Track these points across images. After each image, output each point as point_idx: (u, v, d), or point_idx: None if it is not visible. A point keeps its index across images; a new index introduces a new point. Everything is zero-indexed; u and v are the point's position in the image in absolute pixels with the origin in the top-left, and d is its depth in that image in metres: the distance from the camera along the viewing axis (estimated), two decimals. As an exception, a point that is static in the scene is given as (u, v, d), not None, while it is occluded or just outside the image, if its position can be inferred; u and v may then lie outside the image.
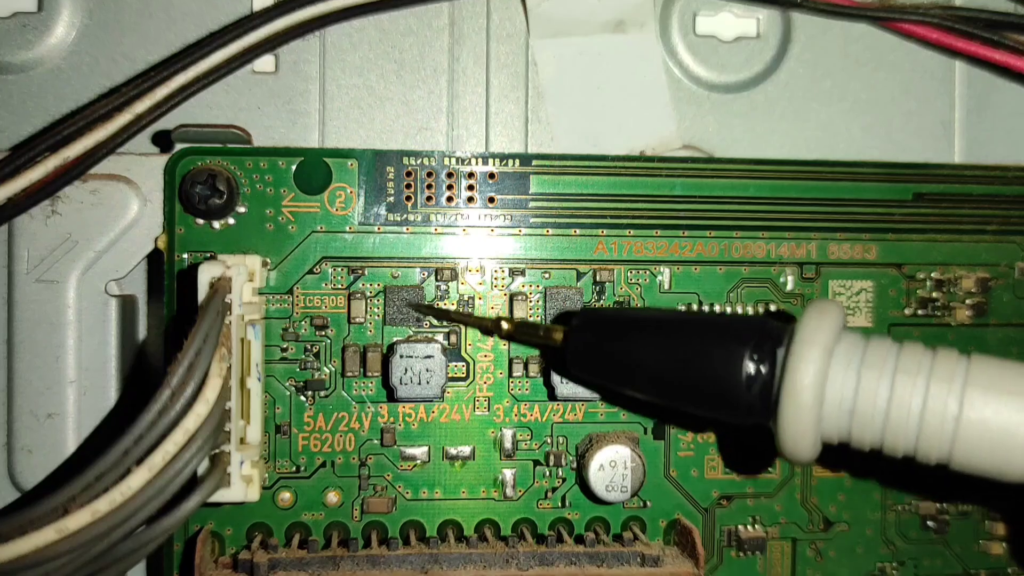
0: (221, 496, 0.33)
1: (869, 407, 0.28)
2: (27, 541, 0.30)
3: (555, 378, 0.37)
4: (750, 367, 0.30)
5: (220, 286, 0.33)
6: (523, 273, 0.39)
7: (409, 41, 0.42)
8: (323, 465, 0.38)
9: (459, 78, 0.42)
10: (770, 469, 0.40)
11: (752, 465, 0.39)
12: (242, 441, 0.34)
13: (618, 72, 0.43)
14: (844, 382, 0.29)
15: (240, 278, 0.34)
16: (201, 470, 0.33)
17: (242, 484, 0.34)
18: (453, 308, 0.38)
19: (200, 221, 0.37)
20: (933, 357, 0.29)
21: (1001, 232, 0.41)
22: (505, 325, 0.36)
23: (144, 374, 0.39)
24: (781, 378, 0.29)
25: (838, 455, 0.31)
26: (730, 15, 0.44)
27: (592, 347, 0.34)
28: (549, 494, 0.39)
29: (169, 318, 0.36)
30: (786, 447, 0.29)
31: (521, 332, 0.36)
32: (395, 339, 0.37)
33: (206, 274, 0.33)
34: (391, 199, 0.38)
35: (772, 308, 0.39)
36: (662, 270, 0.39)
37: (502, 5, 0.42)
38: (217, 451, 0.33)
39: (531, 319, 0.38)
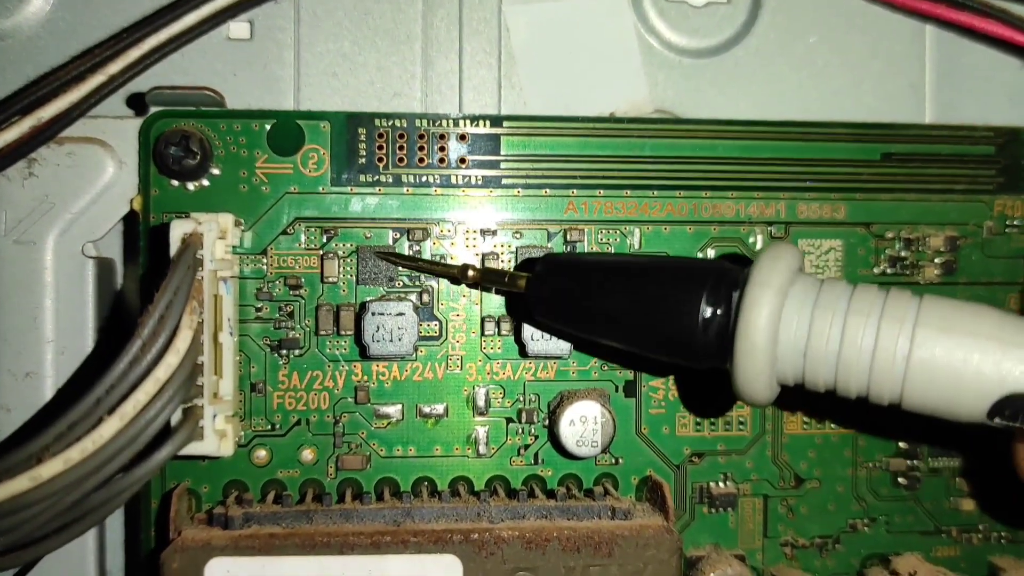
0: (194, 448, 0.34)
1: (822, 347, 0.29)
2: (1, 489, 0.31)
3: (526, 336, 0.38)
4: (706, 310, 0.30)
5: (192, 241, 0.34)
6: (494, 233, 0.39)
7: (383, 7, 0.43)
8: (298, 423, 0.38)
9: (433, 44, 0.43)
10: (741, 427, 0.40)
11: (714, 411, 0.40)
12: (215, 396, 0.34)
13: (590, 36, 0.43)
14: (798, 323, 0.29)
15: (211, 234, 0.34)
16: (174, 422, 0.33)
17: (215, 437, 0.34)
18: (418, 257, 0.38)
19: (175, 183, 0.37)
20: (885, 298, 0.29)
21: (969, 191, 0.41)
22: (471, 272, 0.36)
23: (120, 334, 0.40)
24: (735, 318, 0.29)
25: (804, 403, 0.31)
26: (701, -20, 0.44)
27: (555, 293, 0.34)
28: (522, 451, 0.39)
29: (143, 278, 0.37)
30: (742, 389, 0.30)
31: (487, 279, 0.36)
32: (368, 298, 0.38)
33: (178, 230, 0.34)
34: (363, 160, 0.38)
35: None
36: (632, 230, 0.40)
37: (475, -28, 0.43)
38: (190, 404, 0.34)
39: (498, 267, 0.38)
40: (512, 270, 0.37)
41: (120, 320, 0.40)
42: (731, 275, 0.31)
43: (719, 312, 0.30)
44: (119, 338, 0.39)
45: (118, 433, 0.31)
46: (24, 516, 0.32)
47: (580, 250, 0.39)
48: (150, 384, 0.31)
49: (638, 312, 0.32)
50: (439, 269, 0.37)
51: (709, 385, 0.39)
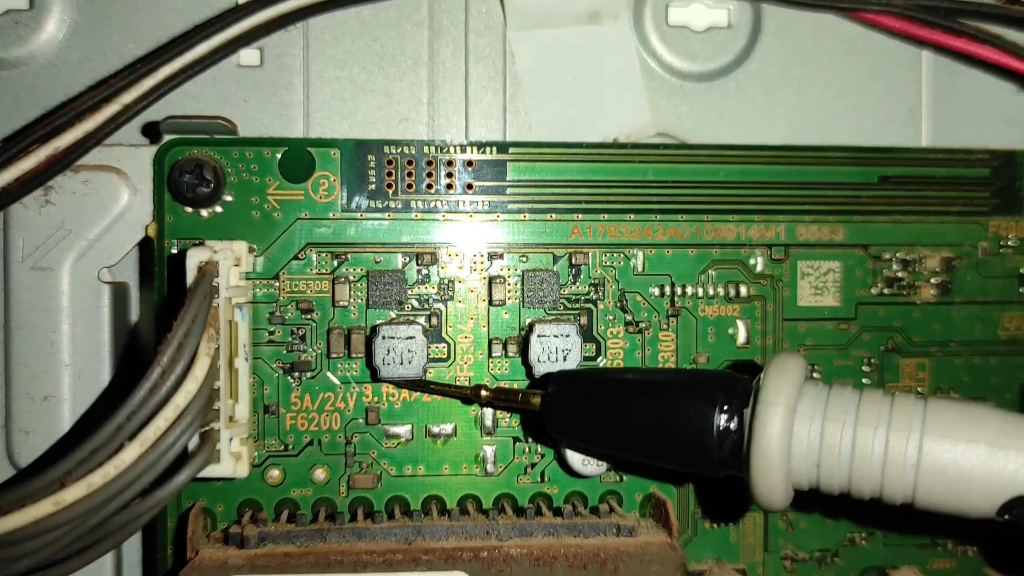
0: (211, 471, 0.35)
1: (834, 459, 0.30)
2: (25, 513, 0.32)
3: (532, 357, 0.38)
4: (720, 426, 0.32)
5: (208, 270, 0.35)
6: (501, 257, 0.40)
7: (390, 34, 0.43)
8: (310, 443, 0.39)
9: (439, 70, 0.44)
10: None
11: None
12: (231, 419, 0.35)
13: (593, 62, 0.44)
14: (809, 437, 0.31)
15: (227, 262, 0.35)
16: (192, 446, 0.34)
17: (231, 460, 0.35)
18: (433, 380, 0.39)
19: (188, 209, 0.38)
20: (891, 406, 0.30)
21: (964, 213, 0.42)
22: (484, 392, 0.37)
23: (136, 358, 0.41)
24: (749, 436, 0.31)
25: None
26: (701, 6, 0.45)
27: (569, 411, 0.36)
28: (528, 470, 0.40)
29: (160, 303, 0.38)
30: (760, 498, 0.31)
31: (500, 398, 0.38)
32: (378, 322, 0.39)
33: (194, 259, 0.35)
34: (373, 187, 0.39)
35: (743, 290, 0.41)
36: (636, 253, 0.40)
37: (480, -2, 0.44)
38: (207, 428, 0.34)
39: (508, 386, 0.40)
40: (524, 389, 0.38)
41: (136, 344, 0.41)
42: (740, 388, 0.32)
43: (732, 427, 0.32)
44: (135, 361, 0.40)
45: (139, 458, 0.32)
46: (47, 539, 0.32)
47: (584, 273, 0.40)
48: (170, 410, 0.32)
49: (653, 428, 0.33)
50: (452, 391, 0.39)
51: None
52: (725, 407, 0.32)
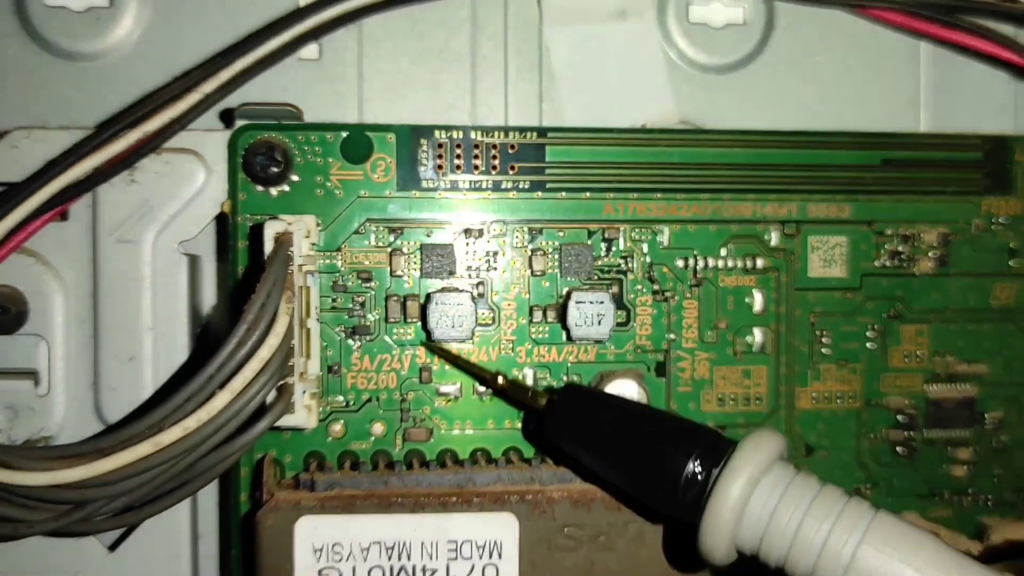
0: (287, 421, 0.38)
1: (778, 537, 0.33)
2: (128, 453, 0.36)
3: (570, 321, 0.43)
4: (688, 476, 0.35)
5: (283, 240, 0.39)
6: (541, 232, 0.44)
7: (436, 30, 0.47)
8: (369, 400, 0.43)
9: (480, 62, 0.48)
10: (758, 402, 0.45)
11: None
12: (303, 375, 0.39)
13: (621, 56, 0.48)
14: (761, 510, 0.33)
15: (299, 234, 0.39)
16: (270, 398, 0.38)
17: (304, 411, 0.39)
18: (460, 355, 0.42)
19: (260, 188, 0.42)
20: (842, 508, 0.33)
21: (960, 193, 0.47)
22: (501, 380, 0.41)
23: (208, 321, 0.45)
24: (709, 493, 0.34)
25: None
26: (719, 4, 0.49)
27: (568, 420, 0.39)
28: (566, 425, 0.44)
29: (235, 273, 0.42)
30: (703, 549, 0.34)
31: (513, 390, 0.41)
32: (430, 290, 0.43)
33: (271, 230, 0.39)
34: (424, 167, 0.43)
35: (759, 262, 0.45)
36: (662, 228, 0.45)
37: (517, -3, 0.48)
38: (283, 382, 0.38)
39: (522, 381, 0.43)
40: (536, 389, 0.42)
41: (210, 310, 0.45)
42: (717, 448, 0.35)
43: (699, 480, 0.34)
44: (207, 326, 0.44)
45: (228, 405, 0.36)
46: (144, 478, 0.36)
47: (616, 247, 0.44)
48: (255, 363, 0.36)
49: (632, 459, 0.36)
50: (474, 370, 0.42)
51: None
52: (698, 461, 0.35)
